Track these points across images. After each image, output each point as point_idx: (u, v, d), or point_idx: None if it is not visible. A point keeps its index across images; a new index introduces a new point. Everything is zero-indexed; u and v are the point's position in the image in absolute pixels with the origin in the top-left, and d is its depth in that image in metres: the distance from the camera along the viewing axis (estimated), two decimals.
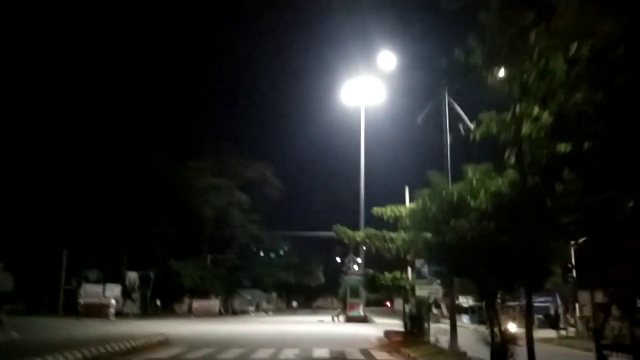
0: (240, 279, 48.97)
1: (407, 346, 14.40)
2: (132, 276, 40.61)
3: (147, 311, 40.33)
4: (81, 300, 32.17)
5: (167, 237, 44.23)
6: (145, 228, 43.05)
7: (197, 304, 41.19)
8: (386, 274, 16.77)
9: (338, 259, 71.81)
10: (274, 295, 60.02)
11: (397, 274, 16.92)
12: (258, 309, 51.63)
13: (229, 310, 46.15)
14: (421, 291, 14.66)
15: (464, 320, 39.77)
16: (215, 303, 42.09)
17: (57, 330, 20.85)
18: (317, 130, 57.51)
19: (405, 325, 16.30)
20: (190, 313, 41.32)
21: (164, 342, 15.59)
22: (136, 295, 40.41)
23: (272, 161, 52.48)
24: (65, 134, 40.29)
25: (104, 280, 38.04)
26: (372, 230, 16.43)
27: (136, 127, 44.52)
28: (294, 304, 64.37)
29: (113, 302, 31.83)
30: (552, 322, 21.63)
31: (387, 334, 18.71)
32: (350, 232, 17.22)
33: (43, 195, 39.13)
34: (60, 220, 39.00)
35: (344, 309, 36.78)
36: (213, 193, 46.74)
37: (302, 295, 71.38)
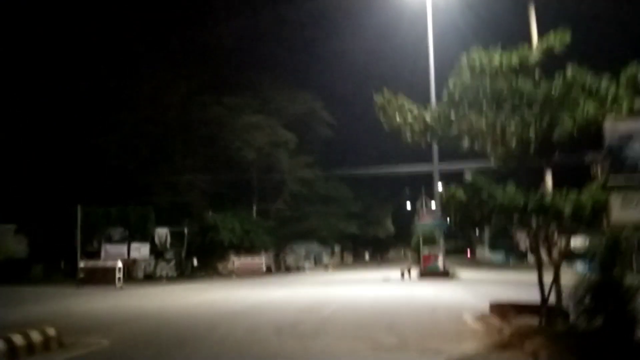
0: (292, 232, 40.99)
1: None
2: (162, 232, 33.52)
3: (184, 272, 33.39)
4: (82, 264, 25.27)
5: (201, 186, 36.63)
6: (174, 177, 35.64)
7: (238, 262, 33.56)
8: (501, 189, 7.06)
9: (409, 206, 62.18)
10: (338, 248, 51.73)
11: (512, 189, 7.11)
12: (318, 263, 43.72)
13: (280, 267, 38.41)
14: (627, 213, 4.95)
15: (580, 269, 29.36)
16: (259, 260, 34.27)
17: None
18: (371, 41, 45.67)
19: (557, 301, 6.92)
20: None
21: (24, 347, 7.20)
22: (170, 255, 33.48)
23: (321, 91, 42.57)
24: (77, 75, 33.21)
25: (129, 238, 31.34)
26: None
27: (159, 60, 36.68)
28: (366, 256, 55.23)
29: (120, 265, 24.58)
30: None
31: (501, 311, 9.42)
32: (405, 105, 7.83)
33: (54, 145, 32.58)
34: (75, 172, 32.45)
35: (417, 262, 27.84)
36: (253, 133, 38.23)
37: (370, 247, 62.72)
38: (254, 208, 39.51)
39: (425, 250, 24.98)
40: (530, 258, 47.65)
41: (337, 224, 44.21)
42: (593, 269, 6.16)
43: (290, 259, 39.97)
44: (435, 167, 27.96)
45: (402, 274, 25.47)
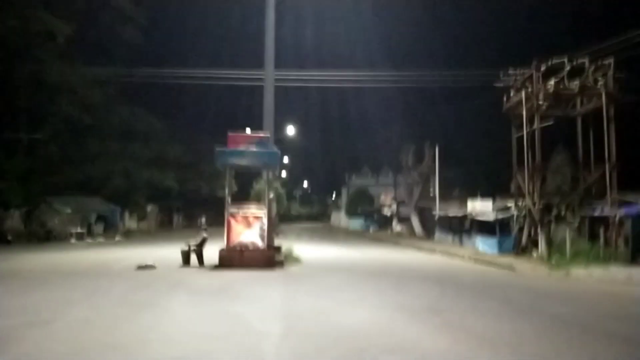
0: (63, 180, 26.33)
1: None
2: None
3: None
4: None
5: None
6: None
7: None
8: None
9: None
10: (151, 208, 37.21)
11: None
12: (111, 229, 29.45)
13: (35, 233, 23.65)
14: None
15: (480, 247, 19.75)
16: None
17: None
18: None
19: None
20: None
21: None
22: None
23: None
24: None
25: None
26: None
27: None
28: (202, 220, 41.39)
29: None
30: None
31: None
32: None
33: None
34: None
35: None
36: None
37: (210, 210, 49.14)
38: None
39: (237, 210, 12.88)
40: (396, 226, 38.82)
41: (138, 171, 30.11)
42: None
43: (53, 222, 25.28)
44: (269, 69, 15.73)
45: (186, 256, 13.07)
